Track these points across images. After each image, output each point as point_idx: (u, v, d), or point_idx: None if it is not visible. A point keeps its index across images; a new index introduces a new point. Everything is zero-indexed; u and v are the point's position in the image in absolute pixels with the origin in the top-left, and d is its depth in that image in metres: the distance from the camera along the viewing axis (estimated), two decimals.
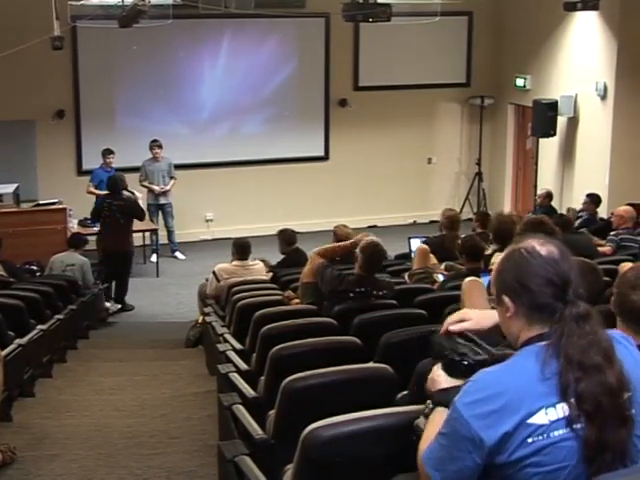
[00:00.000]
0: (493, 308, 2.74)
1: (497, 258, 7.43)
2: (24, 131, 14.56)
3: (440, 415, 2.57)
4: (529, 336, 2.47)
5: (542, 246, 2.49)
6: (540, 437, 2.31)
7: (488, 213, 12.68)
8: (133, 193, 12.88)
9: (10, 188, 13.43)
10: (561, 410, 2.32)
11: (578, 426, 2.31)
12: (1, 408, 5.58)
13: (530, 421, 2.31)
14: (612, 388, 2.33)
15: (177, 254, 15.00)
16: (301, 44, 16.17)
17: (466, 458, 2.35)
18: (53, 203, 13.47)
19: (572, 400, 2.31)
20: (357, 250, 6.79)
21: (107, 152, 14.20)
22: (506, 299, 2.50)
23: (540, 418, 2.31)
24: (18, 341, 6.91)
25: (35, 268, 11.53)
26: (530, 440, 2.31)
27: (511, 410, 2.31)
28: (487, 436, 2.32)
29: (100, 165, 14.21)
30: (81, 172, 14.98)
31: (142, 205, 13.28)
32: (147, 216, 14.44)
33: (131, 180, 14.34)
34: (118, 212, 12.20)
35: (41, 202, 13.65)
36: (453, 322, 2.78)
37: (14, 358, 6.49)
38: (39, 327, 7.80)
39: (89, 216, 13.14)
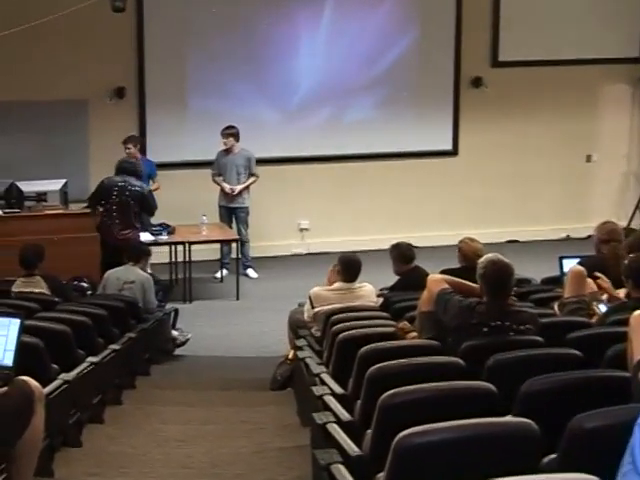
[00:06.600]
0: None
1: None
2: (74, 113, 14.87)
3: None
4: None
5: None
6: None
7: None
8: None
9: (57, 185, 13.54)
10: None
11: None
12: (41, 460, 5.68)
13: None
14: None
15: (249, 271, 15.01)
16: (425, 8, 16.19)
17: None
18: None
19: None
20: (477, 277, 6.74)
21: (129, 139, 14.11)
22: None
23: None
24: (63, 376, 7.03)
25: (85, 285, 11.72)
26: None
27: None
28: None
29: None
30: None
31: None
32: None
33: (204, 176, 14.57)
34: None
35: None
36: None
37: (58, 397, 6.61)
38: (89, 359, 7.93)
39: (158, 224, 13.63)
